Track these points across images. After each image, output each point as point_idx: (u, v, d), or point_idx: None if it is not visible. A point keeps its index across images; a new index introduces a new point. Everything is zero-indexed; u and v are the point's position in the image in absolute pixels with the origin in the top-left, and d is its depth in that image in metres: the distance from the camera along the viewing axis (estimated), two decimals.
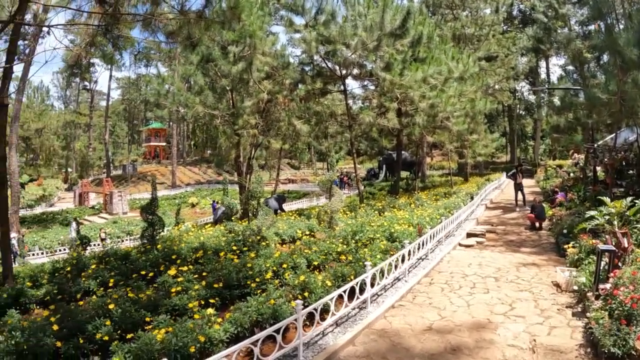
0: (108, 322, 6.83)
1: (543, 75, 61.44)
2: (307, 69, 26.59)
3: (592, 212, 10.04)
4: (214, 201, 35.52)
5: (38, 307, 8.80)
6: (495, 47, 46.66)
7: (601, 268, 8.35)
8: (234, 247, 11.50)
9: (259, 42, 20.85)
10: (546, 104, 37.83)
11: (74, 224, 26.40)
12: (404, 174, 41.73)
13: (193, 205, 50.12)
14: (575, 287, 9.16)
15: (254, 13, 19.99)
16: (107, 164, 76.91)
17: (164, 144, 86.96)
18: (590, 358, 6.62)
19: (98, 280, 9.45)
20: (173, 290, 8.28)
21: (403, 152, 36.78)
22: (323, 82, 25.90)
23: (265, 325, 6.95)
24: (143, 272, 9.71)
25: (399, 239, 12.37)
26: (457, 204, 20.17)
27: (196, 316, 6.95)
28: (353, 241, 12.51)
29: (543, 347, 7.02)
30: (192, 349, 5.98)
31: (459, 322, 8.25)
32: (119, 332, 6.78)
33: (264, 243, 12.12)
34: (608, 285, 7.82)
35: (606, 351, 6.28)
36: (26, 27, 26.21)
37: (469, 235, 16.65)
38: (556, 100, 24.36)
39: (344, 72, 25.43)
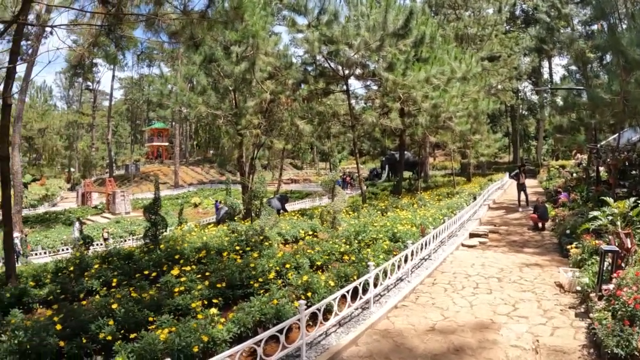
0: (111, 322, 6.84)
1: (546, 75, 61.34)
2: (309, 69, 26.57)
3: (595, 213, 10.01)
4: (216, 201, 35.57)
5: (41, 306, 8.79)
6: (497, 47, 46.56)
7: (604, 269, 8.33)
8: (237, 247, 11.51)
9: (262, 42, 20.87)
10: (549, 104, 37.80)
11: (77, 224, 26.46)
12: (406, 174, 41.68)
13: (196, 205, 50.14)
14: (578, 288, 9.15)
15: (257, 13, 19.97)
16: (109, 164, 77.01)
17: (167, 143, 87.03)
18: (593, 359, 6.62)
19: (101, 280, 9.46)
20: (176, 290, 8.30)
21: (406, 152, 36.68)
22: (326, 82, 25.91)
23: (269, 325, 6.95)
24: (146, 272, 9.72)
25: (401, 239, 12.37)
26: (459, 204, 20.14)
27: (199, 316, 6.96)
28: (356, 241, 12.49)
29: (546, 348, 7.01)
30: (196, 349, 5.99)
31: (462, 322, 8.24)
32: (122, 331, 6.79)
33: (266, 243, 12.12)
34: (611, 286, 7.80)
35: (609, 352, 6.27)
36: (29, 27, 26.29)
37: (472, 235, 16.62)
38: (559, 101, 24.34)
39: (346, 72, 25.40)
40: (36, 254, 26.70)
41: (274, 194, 34.23)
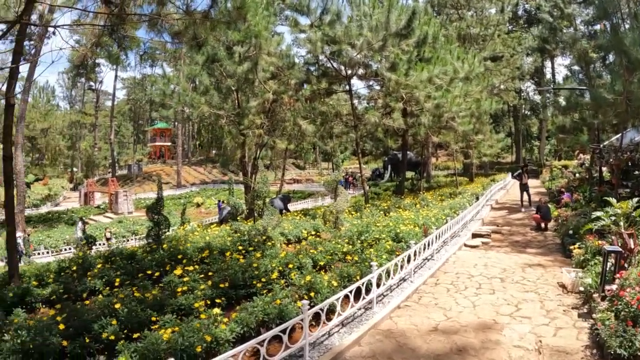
0: (114, 322, 6.85)
1: (548, 75, 61.19)
2: (312, 69, 26.57)
3: (598, 213, 10.00)
4: (219, 201, 35.57)
5: (44, 306, 8.80)
6: (500, 47, 46.51)
7: (607, 269, 8.31)
8: (240, 247, 11.52)
9: (265, 42, 20.87)
10: (552, 104, 37.65)
11: (80, 224, 26.47)
12: (409, 174, 41.70)
13: (198, 205, 50.18)
14: (581, 288, 9.13)
15: (260, 13, 19.99)
16: (112, 164, 77.10)
17: (169, 143, 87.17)
18: (596, 359, 6.60)
19: (104, 280, 9.48)
20: (179, 289, 8.31)
21: (408, 152, 36.73)
22: (328, 82, 25.92)
23: (272, 325, 6.96)
24: (149, 272, 9.74)
25: (404, 240, 12.37)
26: (462, 204, 20.13)
27: (202, 316, 6.97)
28: (359, 241, 12.50)
29: (549, 348, 7.00)
30: (199, 349, 6.00)
31: (464, 322, 8.24)
32: (125, 331, 6.79)
33: (269, 243, 12.13)
34: (614, 287, 7.78)
35: (612, 352, 6.26)
36: (32, 27, 26.34)
37: (475, 235, 16.62)
38: (562, 101, 24.29)
39: (349, 72, 25.41)
40: (39, 254, 26.74)
41: (276, 194, 34.25)
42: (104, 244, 26.47)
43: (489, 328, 7.94)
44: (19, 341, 6.19)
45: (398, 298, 9.46)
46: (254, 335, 6.66)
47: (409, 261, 10.62)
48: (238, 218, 18.72)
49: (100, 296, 8.57)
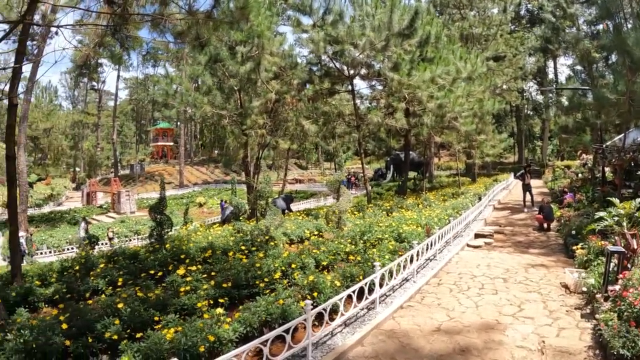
0: (117, 321, 6.86)
1: (551, 75, 61.17)
2: (314, 69, 26.55)
3: (601, 213, 10.00)
4: (221, 201, 35.57)
5: (47, 305, 8.81)
6: (503, 47, 46.52)
7: (610, 269, 8.31)
8: (243, 247, 11.52)
9: (267, 42, 20.89)
10: (554, 104, 37.64)
11: (83, 223, 26.49)
12: (411, 174, 41.65)
13: (201, 205, 50.19)
14: (584, 289, 9.11)
15: (262, 13, 20.01)
16: (114, 164, 77.14)
17: (172, 143, 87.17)
18: None
19: (107, 279, 9.49)
20: (182, 289, 8.32)
21: (411, 152, 36.70)
22: (331, 82, 25.89)
23: (274, 325, 6.96)
24: (152, 272, 9.76)
25: (407, 240, 12.35)
26: (465, 204, 20.11)
27: (205, 316, 6.97)
28: (361, 241, 12.50)
29: (552, 349, 7.00)
30: (202, 349, 6.00)
31: (467, 323, 8.24)
32: (128, 331, 6.80)
33: (272, 243, 12.14)
34: (617, 287, 7.77)
35: (615, 353, 6.25)
36: (35, 27, 26.37)
37: (477, 236, 16.60)
38: (564, 101, 24.29)
39: (351, 72, 25.40)
40: (41, 253, 26.81)
41: (279, 194, 34.25)
42: (106, 244, 26.52)
43: (491, 328, 7.93)
44: (21, 340, 6.20)
45: (401, 298, 9.46)
46: (257, 335, 6.67)
47: (411, 261, 10.62)
48: (241, 218, 18.72)
49: (103, 296, 8.58)
